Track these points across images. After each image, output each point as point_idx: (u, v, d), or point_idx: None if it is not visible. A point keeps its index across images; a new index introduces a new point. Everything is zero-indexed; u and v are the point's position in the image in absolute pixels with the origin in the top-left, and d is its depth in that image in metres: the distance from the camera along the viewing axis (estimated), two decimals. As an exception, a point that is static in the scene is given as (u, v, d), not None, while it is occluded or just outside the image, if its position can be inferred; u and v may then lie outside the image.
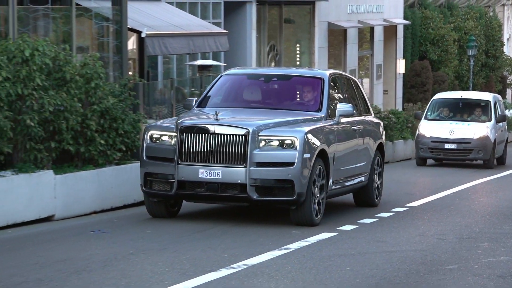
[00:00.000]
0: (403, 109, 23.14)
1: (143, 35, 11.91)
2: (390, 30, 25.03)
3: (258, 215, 7.78)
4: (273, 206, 7.23)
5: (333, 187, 7.44)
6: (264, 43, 19.25)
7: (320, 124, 7.23)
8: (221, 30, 15.62)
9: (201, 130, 6.73)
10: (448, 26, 26.57)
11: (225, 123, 6.71)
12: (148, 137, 6.98)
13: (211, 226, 7.04)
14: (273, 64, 20.17)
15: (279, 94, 8.10)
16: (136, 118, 9.01)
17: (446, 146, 15.34)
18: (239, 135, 6.56)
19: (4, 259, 5.30)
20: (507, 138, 17.44)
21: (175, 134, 6.77)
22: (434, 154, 15.60)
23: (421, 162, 15.77)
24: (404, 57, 25.39)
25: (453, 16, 27.99)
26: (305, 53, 21.49)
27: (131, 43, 12.65)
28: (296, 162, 6.46)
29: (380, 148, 8.94)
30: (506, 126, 17.51)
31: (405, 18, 25.31)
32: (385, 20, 24.19)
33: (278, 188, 6.59)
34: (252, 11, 17.75)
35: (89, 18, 10.97)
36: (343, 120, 7.72)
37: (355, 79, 9.07)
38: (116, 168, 8.64)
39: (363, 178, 8.28)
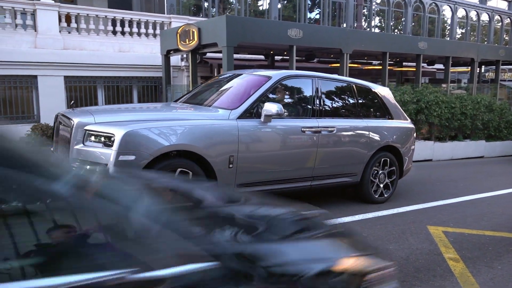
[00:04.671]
0: None
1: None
2: None
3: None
4: None
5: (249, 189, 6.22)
6: None
7: (206, 122, 5.75)
8: None
9: (57, 118, 6.24)
10: None
11: (67, 115, 5.75)
12: None
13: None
14: None
15: (222, 92, 6.90)
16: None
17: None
18: (67, 127, 5.60)
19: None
20: None
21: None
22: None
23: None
24: None
25: None
26: None
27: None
28: (109, 164, 5.09)
29: (393, 151, 7.90)
30: None
31: None
32: None
33: None
34: None
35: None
36: (283, 122, 6.39)
37: (354, 84, 7.64)
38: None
39: (347, 179, 7.37)
